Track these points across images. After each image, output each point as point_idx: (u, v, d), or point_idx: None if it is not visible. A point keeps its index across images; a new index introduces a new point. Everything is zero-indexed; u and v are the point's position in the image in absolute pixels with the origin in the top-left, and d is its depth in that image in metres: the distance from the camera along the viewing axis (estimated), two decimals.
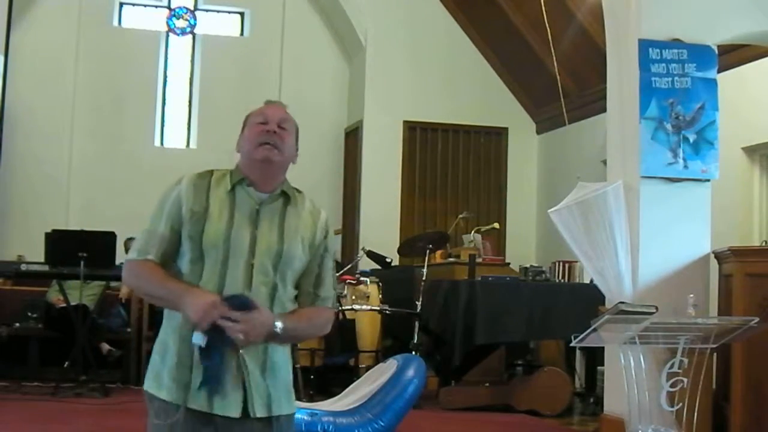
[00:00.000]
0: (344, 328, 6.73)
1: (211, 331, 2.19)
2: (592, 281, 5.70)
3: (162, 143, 10.27)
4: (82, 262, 6.57)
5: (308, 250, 2.39)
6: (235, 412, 2.27)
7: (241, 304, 2.21)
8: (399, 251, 7.75)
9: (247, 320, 2.19)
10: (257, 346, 2.29)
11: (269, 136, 2.36)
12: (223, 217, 2.31)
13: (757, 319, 3.88)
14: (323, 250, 2.44)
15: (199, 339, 2.20)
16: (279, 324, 2.27)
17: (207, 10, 10.52)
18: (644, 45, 5.21)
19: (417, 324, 6.74)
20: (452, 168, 10.10)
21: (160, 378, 2.31)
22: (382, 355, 6.87)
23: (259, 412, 2.30)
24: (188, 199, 2.34)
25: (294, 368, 6.55)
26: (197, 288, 2.27)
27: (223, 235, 2.29)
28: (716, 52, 5.31)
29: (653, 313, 3.95)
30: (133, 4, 10.32)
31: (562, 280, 7.60)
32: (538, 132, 10.27)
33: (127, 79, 9.95)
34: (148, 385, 2.35)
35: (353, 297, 7.00)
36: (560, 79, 8.26)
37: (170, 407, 2.28)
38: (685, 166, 5.19)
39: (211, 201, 2.33)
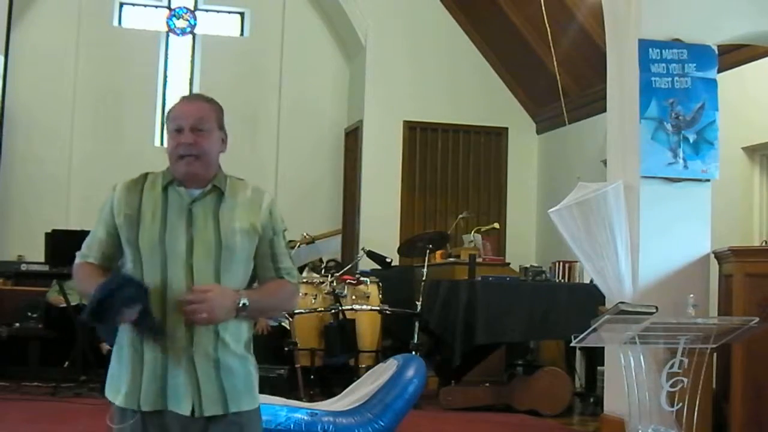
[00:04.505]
0: (344, 328, 6.73)
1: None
2: (592, 281, 5.69)
3: (162, 143, 10.25)
4: None
5: (251, 238, 2.38)
6: (185, 410, 2.29)
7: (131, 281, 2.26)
8: (399, 251, 7.75)
9: (207, 296, 2.21)
10: (207, 347, 2.30)
11: (186, 148, 2.33)
12: (156, 220, 2.32)
13: (757, 319, 3.89)
14: (271, 232, 2.42)
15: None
16: (244, 299, 2.28)
17: (207, 10, 10.52)
18: (644, 45, 5.21)
19: (417, 324, 6.74)
20: (452, 168, 10.10)
21: (117, 385, 2.35)
22: (382, 355, 6.87)
23: (210, 411, 2.30)
24: (120, 204, 2.38)
25: (294, 368, 6.62)
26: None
27: (158, 239, 2.29)
28: (716, 52, 5.32)
29: (653, 313, 3.95)
30: (133, 4, 10.32)
31: (562, 280, 7.59)
32: (538, 132, 10.26)
33: (127, 79, 9.95)
34: (107, 393, 2.38)
35: (353, 297, 7.00)
36: (560, 79, 8.25)
37: (126, 412, 2.31)
38: (685, 166, 5.19)
39: (144, 204, 2.35)
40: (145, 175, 2.43)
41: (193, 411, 2.29)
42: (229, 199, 2.37)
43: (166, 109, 10.55)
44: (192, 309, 2.21)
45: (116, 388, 2.34)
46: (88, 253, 2.42)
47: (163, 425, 2.31)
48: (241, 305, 2.28)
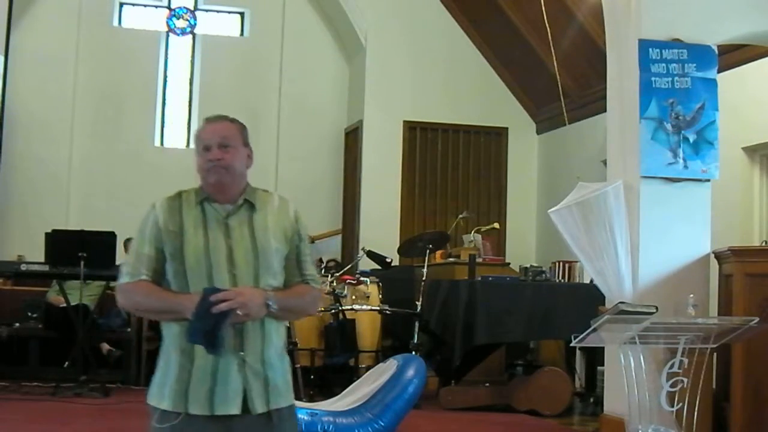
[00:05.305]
0: (344, 328, 6.73)
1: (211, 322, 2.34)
2: (592, 281, 5.69)
3: (162, 143, 10.27)
4: (82, 262, 6.57)
5: (283, 243, 2.53)
6: (235, 410, 2.40)
7: (218, 290, 2.38)
8: (399, 251, 7.75)
9: (239, 293, 2.35)
10: (256, 347, 2.44)
11: (214, 163, 2.49)
12: (198, 233, 2.47)
13: (757, 319, 3.88)
14: (297, 239, 2.58)
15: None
16: (272, 301, 2.42)
17: (207, 10, 10.52)
18: (644, 45, 5.21)
19: (417, 324, 6.74)
20: (452, 168, 10.10)
21: (161, 391, 2.45)
22: (382, 355, 6.87)
23: (259, 408, 2.42)
24: (164, 220, 2.49)
25: (294, 368, 6.62)
26: (190, 294, 2.42)
27: (203, 251, 2.44)
28: (716, 52, 5.31)
29: (653, 313, 3.94)
30: (133, 4, 10.33)
31: (562, 280, 7.59)
32: (538, 132, 10.27)
33: (127, 79, 9.95)
34: (150, 398, 2.47)
35: (353, 297, 7.00)
36: (560, 79, 8.25)
37: (171, 414, 2.41)
38: (685, 166, 5.19)
39: (185, 219, 2.49)
40: (180, 194, 2.56)
41: (247, 409, 2.40)
42: (260, 210, 2.54)
43: (166, 109, 10.61)
44: (228, 305, 2.32)
45: (161, 394, 2.44)
46: (138, 272, 2.48)
47: (211, 425, 2.40)
48: (269, 302, 2.42)
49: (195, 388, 2.39)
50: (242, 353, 2.41)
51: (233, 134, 2.54)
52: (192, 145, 11.45)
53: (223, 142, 2.50)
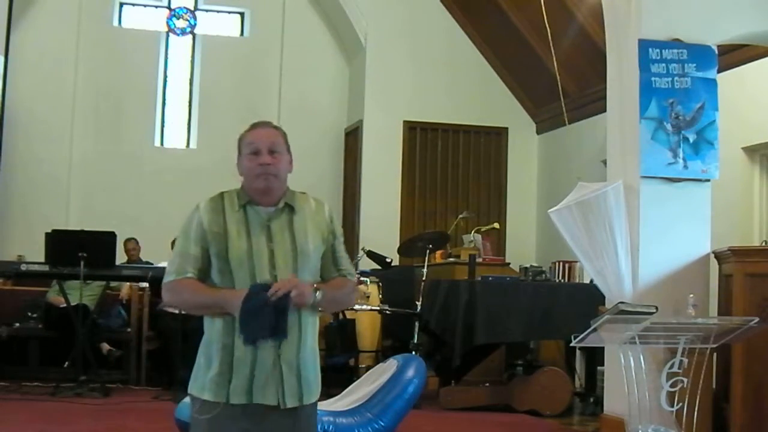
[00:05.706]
0: (344, 328, 6.73)
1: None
2: (592, 281, 5.69)
3: (162, 143, 10.26)
4: (82, 262, 6.57)
5: (320, 243, 2.66)
6: (272, 400, 2.53)
7: (265, 286, 2.49)
8: (399, 251, 7.75)
9: (289, 281, 2.48)
10: (292, 344, 2.55)
11: (264, 168, 2.61)
12: (242, 235, 2.58)
13: (757, 319, 3.88)
14: (332, 237, 2.72)
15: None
16: (318, 293, 2.56)
17: (207, 10, 10.52)
18: (644, 45, 5.21)
19: (417, 324, 6.74)
20: (452, 168, 10.10)
21: (203, 382, 2.57)
22: (382, 355, 6.87)
23: (290, 403, 2.54)
24: (209, 221, 2.59)
25: None
26: (235, 290, 2.53)
27: (246, 253, 2.56)
28: (716, 52, 5.31)
29: (653, 313, 3.94)
30: (133, 4, 10.33)
31: (562, 280, 7.59)
32: (538, 132, 10.27)
33: (127, 79, 9.95)
34: (191, 388, 2.60)
35: None
36: (560, 79, 8.26)
37: (212, 404, 2.54)
38: (685, 166, 5.19)
39: (228, 221, 2.60)
40: (222, 195, 2.65)
41: (278, 402, 2.52)
42: (299, 213, 2.67)
43: (166, 109, 10.55)
44: (285, 289, 2.43)
45: (203, 385, 2.55)
46: (185, 269, 2.59)
47: (247, 416, 2.51)
48: (317, 296, 2.56)
49: (236, 379, 2.50)
50: (279, 350, 2.52)
51: (280, 141, 2.67)
52: (192, 146, 11.45)
53: (272, 148, 2.63)
